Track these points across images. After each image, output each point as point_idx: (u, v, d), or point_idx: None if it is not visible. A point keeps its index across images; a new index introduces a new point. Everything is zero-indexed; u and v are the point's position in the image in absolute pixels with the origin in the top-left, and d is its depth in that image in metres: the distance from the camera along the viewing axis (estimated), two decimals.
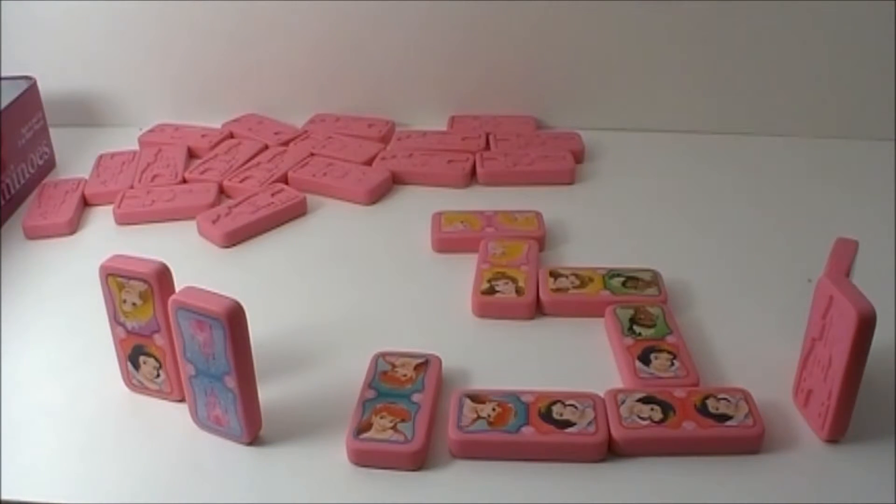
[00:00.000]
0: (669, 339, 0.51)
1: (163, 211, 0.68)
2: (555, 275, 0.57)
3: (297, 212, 0.68)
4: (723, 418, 0.45)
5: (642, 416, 0.45)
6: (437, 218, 0.65)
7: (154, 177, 0.73)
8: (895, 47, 0.74)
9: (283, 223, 0.67)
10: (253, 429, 0.46)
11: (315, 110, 0.83)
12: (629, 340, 0.51)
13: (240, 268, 0.62)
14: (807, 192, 0.70)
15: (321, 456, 0.45)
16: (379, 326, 0.56)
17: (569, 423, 0.45)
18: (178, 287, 0.44)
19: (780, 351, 0.52)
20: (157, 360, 0.48)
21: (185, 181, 0.73)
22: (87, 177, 0.73)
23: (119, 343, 0.48)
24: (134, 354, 0.49)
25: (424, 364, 0.50)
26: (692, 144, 0.78)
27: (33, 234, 0.66)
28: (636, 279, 0.57)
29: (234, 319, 0.42)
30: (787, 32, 0.76)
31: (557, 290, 0.56)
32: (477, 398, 0.47)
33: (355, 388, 0.48)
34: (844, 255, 0.48)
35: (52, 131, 0.77)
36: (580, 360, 0.52)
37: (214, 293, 0.43)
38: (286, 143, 0.78)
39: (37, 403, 0.50)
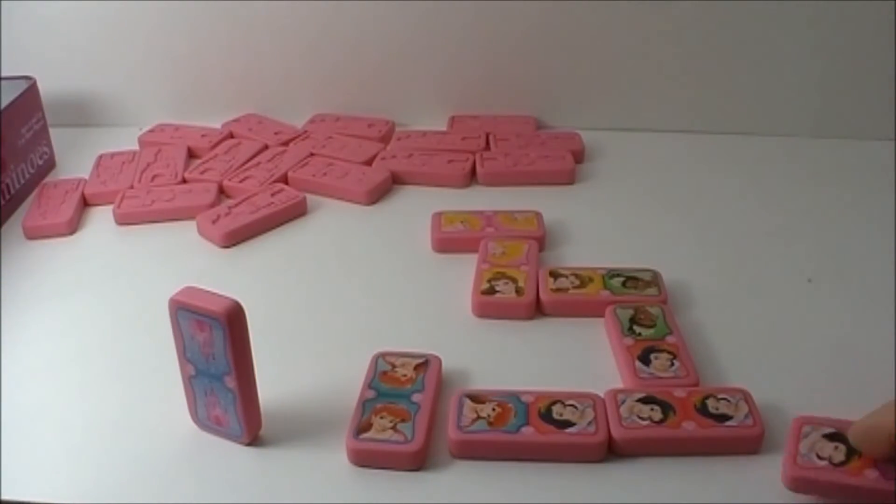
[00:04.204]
0: (669, 339, 0.51)
1: (163, 211, 0.68)
2: (555, 275, 0.57)
3: (297, 212, 0.68)
4: (723, 418, 0.45)
5: (642, 416, 0.45)
6: (437, 218, 0.65)
7: (154, 177, 0.73)
8: (895, 47, 0.74)
9: (283, 223, 0.67)
10: (253, 429, 0.46)
11: (315, 110, 0.83)
12: (629, 340, 0.51)
13: (240, 268, 0.62)
14: (807, 192, 0.70)
15: (321, 456, 0.45)
16: (379, 326, 0.56)
17: (569, 423, 0.45)
18: (178, 287, 0.44)
19: (780, 351, 0.52)
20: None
21: (185, 181, 0.73)
22: (86, 177, 0.73)
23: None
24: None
25: (424, 364, 0.50)
26: (692, 144, 0.78)
27: (33, 234, 0.66)
28: (636, 279, 0.57)
29: (234, 319, 0.42)
30: (787, 32, 0.76)
31: (557, 290, 0.56)
32: (477, 398, 0.47)
33: (355, 388, 0.48)
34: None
35: (52, 131, 0.77)
36: (580, 360, 0.52)
37: (214, 293, 0.43)
38: (286, 143, 0.78)
39: (36, 403, 0.50)
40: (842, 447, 0.43)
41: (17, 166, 0.71)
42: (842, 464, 0.42)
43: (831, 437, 0.43)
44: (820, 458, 0.42)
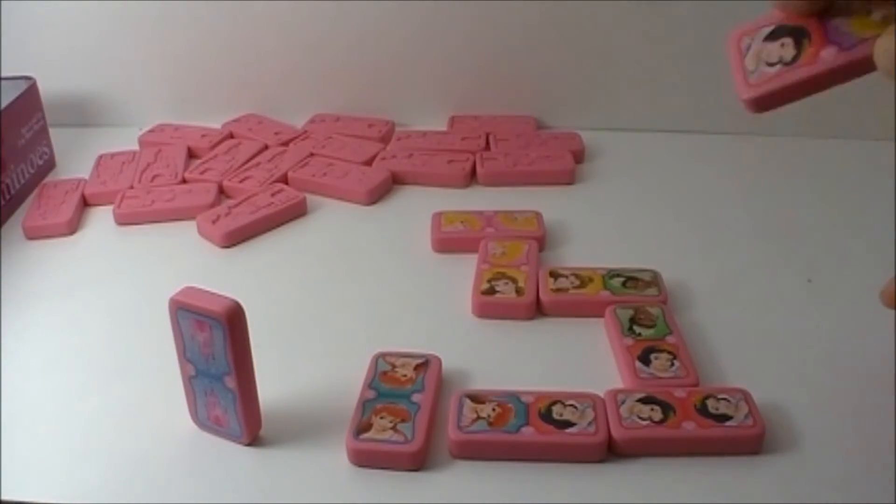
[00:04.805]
0: (669, 339, 0.51)
1: (163, 211, 0.68)
2: (555, 275, 0.57)
3: (297, 212, 0.68)
4: (723, 418, 0.45)
5: (642, 416, 0.45)
6: (437, 218, 0.65)
7: (154, 177, 0.73)
8: None
9: (283, 223, 0.67)
10: (253, 429, 0.46)
11: (315, 110, 0.83)
12: (629, 340, 0.51)
13: (240, 268, 0.62)
14: (807, 192, 0.70)
15: (321, 456, 0.45)
16: (379, 326, 0.56)
17: (569, 424, 0.45)
18: (178, 287, 0.44)
19: (780, 351, 0.52)
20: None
21: (185, 181, 0.73)
22: (87, 177, 0.73)
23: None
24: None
25: (424, 364, 0.50)
26: (692, 144, 0.78)
27: (33, 234, 0.66)
28: (636, 279, 0.57)
29: (234, 319, 0.42)
30: None
31: (557, 290, 0.56)
32: (477, 398, 0.47)
33: (355, 388, 0.48)
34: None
35: (52, 131, 0.77)
36: (580, 360, 0.52)
37: (214, 293, 0.43)
38: (286, 143, 0.78)
39: (35, 403, 0.50)
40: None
41: (17, 166, 0.71)
42: (792, 61, 0.38)
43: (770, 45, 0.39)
44: (770, 65, 0.39)
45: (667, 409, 0.46)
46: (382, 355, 0.50)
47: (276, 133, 0.80)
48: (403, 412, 0.46)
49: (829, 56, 0.36)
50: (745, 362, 0.51)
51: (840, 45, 0.36)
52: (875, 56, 0.32)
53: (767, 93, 0.38)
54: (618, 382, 0.49)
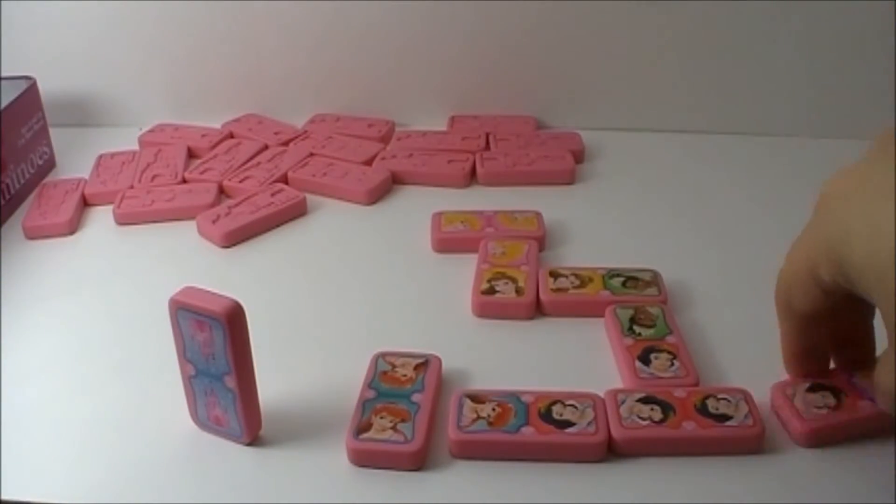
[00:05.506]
0: (669, 339, 0.51)
1: (163, 211, 0.68)
2: (555, 275, 0.57)
3: (297, 212, 0.68)
4: (723, 418, 0.45)
5: (642, 416, 0.45)
6: (437, 218, 0.65)
7: (154, 177, 0.73)
8: (895, 47, 0.74)
9: (283, 223, 0.67)
10: (253, 429, 0.46)
11: (315, 110, 0.83)
12: (629, 340, 0.51)
13: (240, 268, 0.62)
14: (807, 193, 0.70)
15: (321, 456, 0.45)
16: (379, 326, 0.56)
17: (569, 423, 0.45)
18: (178, 287, 0.44)
19: (779, 351, 0.52)
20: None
21: (185, 181, 0.73)
22: (86, 177, 0.73)
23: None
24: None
25: (424, 364, 0.50)
26: (692, 144, 0.78)
27: (33, 234, 0.66)
28: (636, 279, 0.57)
29: (234, 319, 0.42)
30: (786, 32, 0.76)
31: (557, 290, 0.56)
32: (477, 398, 0.47)
33: (355, 388, 0.48)
34: None
35: (52, 131, 0.77)
36: (580, 360, 0.52)
37: (214, 293, 0.43)
38: (286, 143, 0.78)
39: (35, 403, 0.50)
40: (828, 393, 0.46)
41: (17, 166, 0.71)
42: (837, 406, 0.45)
43: (813, 388, 0.46)
44: (818, 408, 0.45)
45: (667, 408, 0.46)
46: (382, 355, 0.50)
47: (276, 133, 0.80)
48: (403, 412, 0.46)
49: (866, 406, 0.45)
50: (745, 362, 0.51)
51: (872, 399, 0.44)
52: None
53: (824, 426, 0.45)
54: (618, 382, 0.49)
